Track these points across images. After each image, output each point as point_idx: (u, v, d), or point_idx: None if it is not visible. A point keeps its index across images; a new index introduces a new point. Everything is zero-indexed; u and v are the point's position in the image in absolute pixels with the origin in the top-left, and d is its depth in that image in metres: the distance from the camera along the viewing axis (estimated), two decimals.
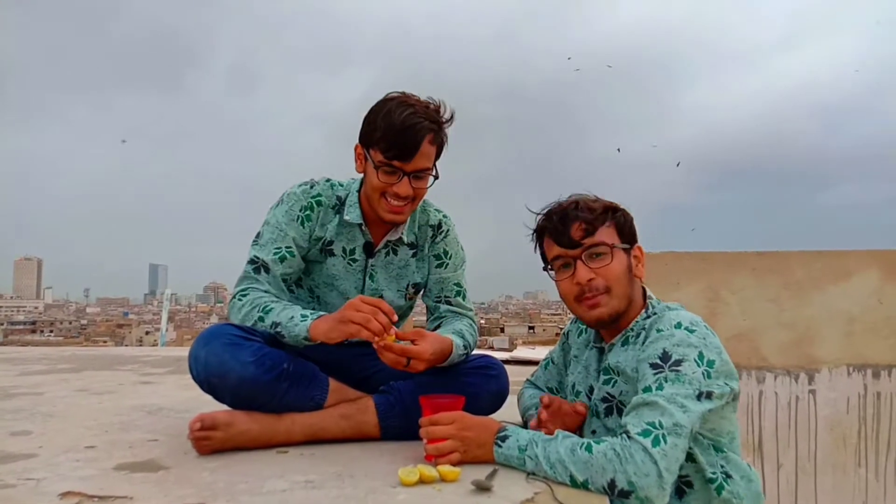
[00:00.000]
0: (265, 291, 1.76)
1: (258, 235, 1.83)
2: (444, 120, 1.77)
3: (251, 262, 1.79)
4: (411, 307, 2.06)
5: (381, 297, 1.91)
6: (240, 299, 1.75)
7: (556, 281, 1.59)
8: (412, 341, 1.63)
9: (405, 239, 1.89)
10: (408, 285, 1.95)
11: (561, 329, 1.87)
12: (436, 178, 1.79)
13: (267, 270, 1.78)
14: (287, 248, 1.80)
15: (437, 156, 1.79)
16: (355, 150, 1.82)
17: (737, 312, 3.23)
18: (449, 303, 1.95)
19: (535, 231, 1.63)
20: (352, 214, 1.84)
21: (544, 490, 1.31)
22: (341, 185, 1.90)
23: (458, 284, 1.96)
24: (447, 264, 1.94)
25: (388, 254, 1.90)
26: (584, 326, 1.72)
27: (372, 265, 1.89)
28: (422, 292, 2.00)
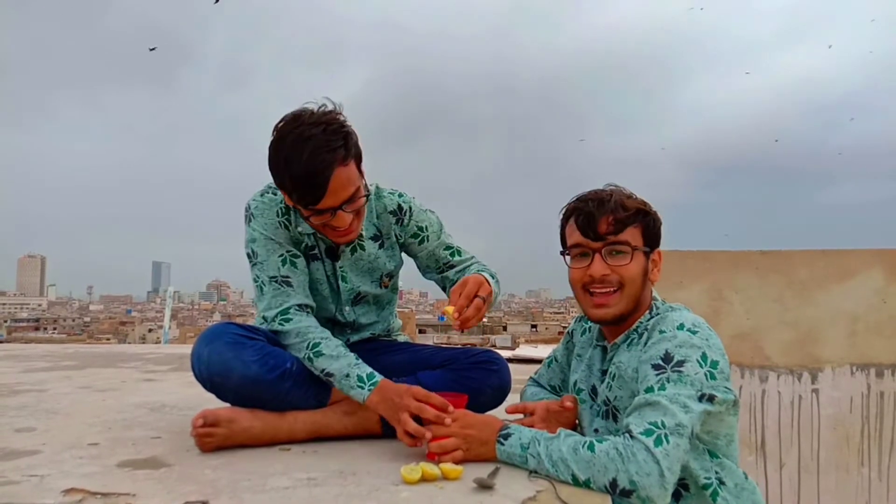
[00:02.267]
0: (299, 304, 1.72)
1: (253, 255, 1.76)
2: (346, 132, 1.62)
3: (272, 280, 1.73)
4: (395, 288, 2.02)
5: (359, 293, 1.89)
6: (282, 324, 1.70)
7: (569, 266, 1.58)
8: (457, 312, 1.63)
9: (366, 234, 1.85)
10: (381, 276, 1.92)
11: (564, 327, 1.86)
12: (367, 194, 1.74)
13: (289, 284, 1.74)
14: (288, 251, 1.77)
15: (359, 164, 1.67)
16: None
17: (740, 312, 3.22)
18: (452, 266, 1.91)
19: (564, 212, 1.59)
20: (303, 225, 1.77)
21: (547, 488, 1.31)
22: None
23: (448, 247, 1.93)
24: (427, 237, 1.90)
25: (353, 251, 1.85)
26: (589, 325, 1.72)
27: (340, 267, 1.85)
28: (421, 271, 1.97)
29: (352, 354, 1.67)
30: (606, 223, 1.50)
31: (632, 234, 1.52)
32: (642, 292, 1.54)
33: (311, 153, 1.55)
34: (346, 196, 1.63)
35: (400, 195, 1.89)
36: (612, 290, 1.51)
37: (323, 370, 1.64)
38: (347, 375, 1.61)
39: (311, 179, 1.57)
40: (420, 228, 1.89)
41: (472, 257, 1.95)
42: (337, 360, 1.64)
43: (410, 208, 1.88)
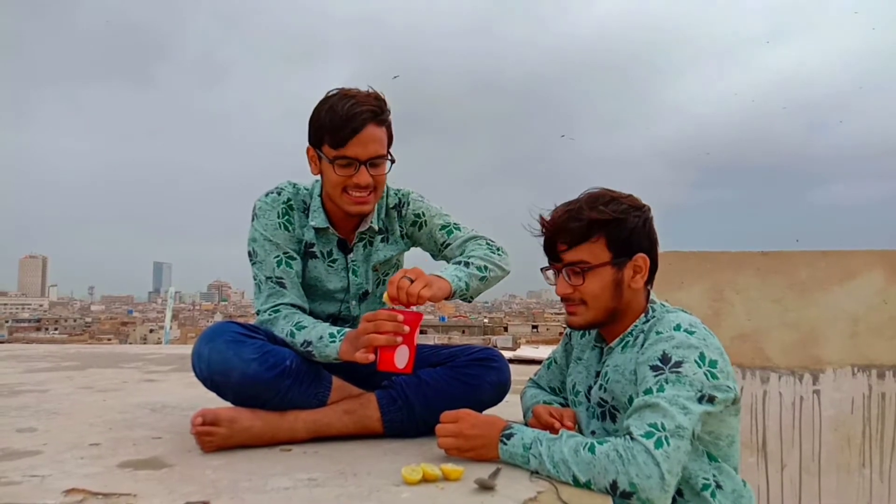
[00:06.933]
0: (291, 304, 1.78)
1: (253, 254, 1.82)
2: (386, 107, 1.76)
3: (268, 279, 1.79)
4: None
5: (368, 292, 1.92)
6: (271, 314, 1.76)
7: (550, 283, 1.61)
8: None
9: (375, 227, 1.89)
10: (378, 265, 1.94)
11: (564, 328, 1.87)
12: (392, 161, 1.79)
13: (283, 285, 1.79)
14: (285, 253, 1.81)
15: (389, 142, 1.78)
16: (307, 153, 1.80)
17: (741, 312, 3.22)
18: (448, 245, 1.91)
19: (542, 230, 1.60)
20: (317, 219, 1.84)
21: (548, 489, 1.31)
22: (305, 189, 1.89)
23: (443, 226, 1.92)
24: (425, 221, 1.93)
25: (364, 246, 1.90)
26: None
27: (352, 260, 1.89)
28: (432, 256, 1.98)
29: (329, 325, 1.71)
30: (563, 242, 1.52)
31: (591, 249, 1.49)
32: (617, 302, 1.52)
33: (352, 105, 1.70)
34: (373, 152, 1.71)
35: (400, 191, 1.95)
36: (577, 303, 1.54)
37: (304, 341, 1.68)
38: (321, 337, 1.67)
39: (347, 122, 1.68)
40: (417, 215, 1.93)
41: (472, 231, 1.91)
42: (314, 328, 1.70)
43: (409, 200, 1.94)
